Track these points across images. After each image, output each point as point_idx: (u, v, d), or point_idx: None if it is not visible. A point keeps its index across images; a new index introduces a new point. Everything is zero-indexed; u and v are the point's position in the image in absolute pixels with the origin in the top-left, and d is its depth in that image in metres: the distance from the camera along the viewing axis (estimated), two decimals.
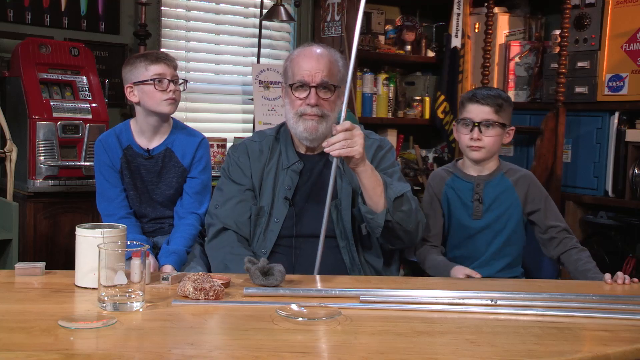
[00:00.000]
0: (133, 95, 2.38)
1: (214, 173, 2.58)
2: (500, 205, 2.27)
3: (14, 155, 2.91)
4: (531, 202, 2.28)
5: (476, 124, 2.21)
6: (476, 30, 4.09)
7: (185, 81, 2.46)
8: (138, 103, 2.39)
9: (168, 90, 2.34)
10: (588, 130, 3.53)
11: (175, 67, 2.40)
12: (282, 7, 3.73)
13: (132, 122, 2.46)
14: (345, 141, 1.82)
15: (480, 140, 2.22)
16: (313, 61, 2.02)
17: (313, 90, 2.01)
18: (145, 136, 2.44)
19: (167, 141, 2.44)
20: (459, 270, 2.13)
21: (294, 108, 2.05)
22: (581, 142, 3.56)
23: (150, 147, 2.43)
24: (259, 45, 3.92)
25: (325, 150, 1.85)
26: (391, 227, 1.97)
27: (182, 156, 2.44)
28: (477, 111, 2.22)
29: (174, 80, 2.37)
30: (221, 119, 4.01)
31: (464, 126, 2.25)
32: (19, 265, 1.79)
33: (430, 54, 4.42)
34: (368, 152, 2.11)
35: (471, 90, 2.37)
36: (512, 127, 2.29)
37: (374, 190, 1.94)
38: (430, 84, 4.45)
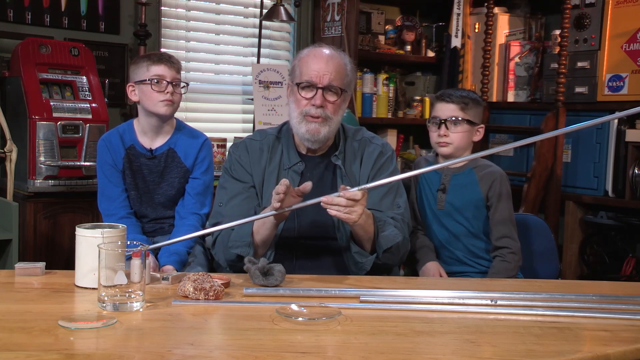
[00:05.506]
0: (134, 94, 2.39)
1: (215, 173, 2.58)
2: (463, 198, 2.36)
3: (14, 155, 2.91)
4: (491, 197, 2.35)
5: (442, 121, 2.34)
6: (476, 30, 4.09)
7: (187, 84, 2.46)
8: (138, 102, 2.40)
9: (166, 91, 2.34)
10: (588, 130, 3.52)
11: (177, 70, 2.40)
12: (282, 7, 3.72)
13: (135, 122, 2.47)
14: (345, 208, 1.78)
15: (447, 136, 2.34)
16: (322, 62, 2.02)
17: (320, 91, 2.01)
18: (148, 136, 2.44)
19: (170, 141, 2.44)
20: (430, 271, 2.31)
21: (298, 107, 2.04)
22: (581, 142, 3.56)
23: (153, 147, 2.44)
24: (259, 45, 3.92)
25: (322, 205, 1.80)
26: (375, 265, 2.03)
27: (184, 157, 2.44)
28: (444, 109, 2.35)
29: (174, 82, 2.37)
30: (221, 119, 4.01)
31: (433, 124, 2.38)
32: (19, 265, 1.79)
33: (430, 54, 4.42)
34: (369, 159, 2.13)
35: (440, 90, 2.52)
36: (482, 125, 2.40)
37: (365, 237, 1.98)
38: (430, 84, 4.45)
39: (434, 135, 2.37)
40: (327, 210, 1.80)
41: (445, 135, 2.33)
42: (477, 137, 2.39)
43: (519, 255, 2.31)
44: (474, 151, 2.45)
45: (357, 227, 1.93)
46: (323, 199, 1.79)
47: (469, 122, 2.34)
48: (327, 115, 2.02)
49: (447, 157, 2.38)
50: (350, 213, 1.79)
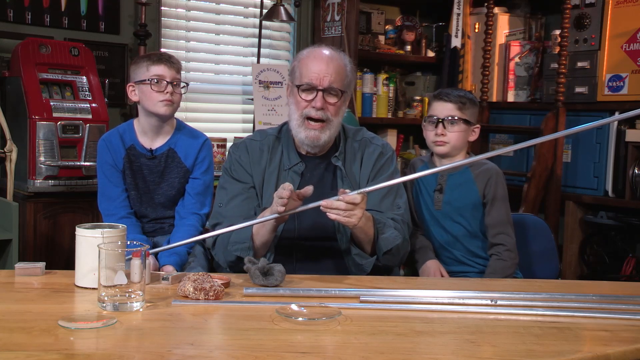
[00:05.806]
0: (134, 94, 2.40)
1: (215, 173, 2.58)
2: (460, 198, 2.36)
3: (14, 155, 2.91)
4: (487, 194, 2.35)
5: (440, 120, 2.33)
6: (476, 30, 4.09)
7: (187, 84, 2.46)
8: (138, 102, 2.40)
9: (165, 91, 2.34)
10: (588, 130, 3.52)
11: (177, 70, 2.40)
12: (282, 7, 3.73)
13: (136, 122, 2.47)
14: (345, 212, 1.79)
15: (445, 135, 2.34)
16: (322, 64, 2.01)
17: (320, 93, 2.00)
18: (148, 136, 2.44)
19: (170, 141, 2.44)
20: (431, 269, 2.31)
21: (299, 109, 2.04)
22: (581, 142, 3.56)
23: (153, 147, 2.44)
24: (259, 45, 3.92)
25: (322, 209, 1.81)
26: (375, 265, 2.03)
27: (184, 157, 2.44)
28: (441, 108, 2.35)
29: (174, 82, 2.37)
30: (221, 119, 4.01)
31: (430, 123, 2.38)
32: (19, 265, 1.79)
33: (430, 54, 4.43)
34: (369, 160, 2.12)
35: (438, 90, 2.52)
36: (478, 125, 2.41)
37: (365, 240, 1.99)
38: (430, 84, 4.45)
39: (430, 134, 2.37)
40: (327, 214, 1.80)
41: (442, 135, 2.33)
42: (473, 137, 2.40)
43: (514, 252, 2.31)
44: (468, 150, 2.45)
45: (357, 230, 1.93)
46: (322, 202, 1.79)
47: (466, 121, 2.34)
48: (327, 117, 2.02)
49: (443, 156, 2.38)
50: (350, 217, 1.80)
